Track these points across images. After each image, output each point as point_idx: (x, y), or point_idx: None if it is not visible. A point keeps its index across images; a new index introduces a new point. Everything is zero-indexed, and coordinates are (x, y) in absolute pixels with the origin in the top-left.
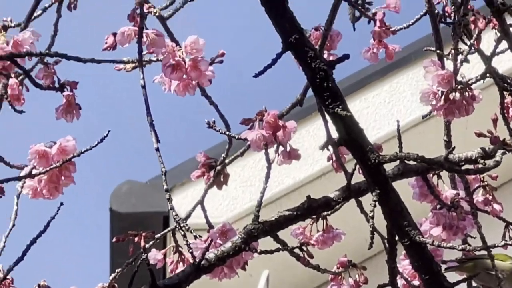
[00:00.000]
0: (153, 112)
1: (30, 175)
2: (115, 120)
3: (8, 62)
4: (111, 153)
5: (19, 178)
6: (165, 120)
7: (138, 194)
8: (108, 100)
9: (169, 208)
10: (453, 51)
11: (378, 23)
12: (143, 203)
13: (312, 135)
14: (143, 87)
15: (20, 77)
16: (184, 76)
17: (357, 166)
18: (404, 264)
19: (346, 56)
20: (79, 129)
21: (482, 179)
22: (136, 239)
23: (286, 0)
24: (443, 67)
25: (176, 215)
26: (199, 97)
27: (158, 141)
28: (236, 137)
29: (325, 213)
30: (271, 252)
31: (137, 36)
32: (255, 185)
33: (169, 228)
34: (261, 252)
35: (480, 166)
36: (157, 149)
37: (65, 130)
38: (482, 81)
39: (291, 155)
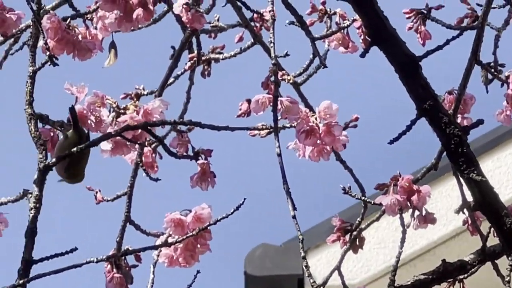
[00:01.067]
0: (287, 172)
1: (166, 244)
2: (249, 184)
3: (139, 130)
4: (246, 217)
5: (155, 247)
6: (299, 183)
7: (273, 257)
8: (241, 166)
9: (306, 274)
10: None
11: (511, 86)
12: (277, 266)
13: (445, 196)
14: (279, 155)
15: (153, 145)
16: (318, 141)
17: (492, 229)
18: None
19: (480, 122)
20: (214, 196)
21: None
22: None
23: (420, 66)
24: None
25: (314, 282)
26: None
27: (294, 208)
28: (372, 202)
29: (461, 276)
30: None
31: (271, 104)
32: (389, 246)
33: None
34: None
35: None
36: (294, 217)
37: (200, 198)
38: None
39: (427, 219)
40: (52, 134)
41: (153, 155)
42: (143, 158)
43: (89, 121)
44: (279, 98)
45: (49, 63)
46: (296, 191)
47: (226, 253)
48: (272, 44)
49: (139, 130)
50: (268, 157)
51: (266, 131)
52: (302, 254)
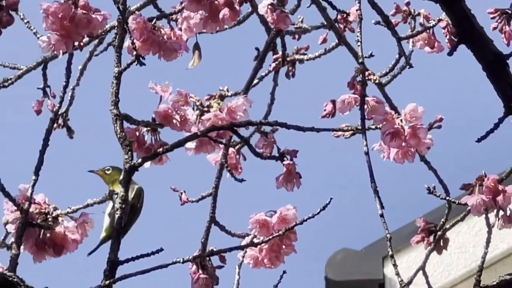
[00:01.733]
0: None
1: (252, 244)
2: (329, 188)
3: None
4: (327, 222)
5: (241, 247)
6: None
7: (353, 262)
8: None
9: (395, 272)
10: None
11: None
12: (358, 271)
13: None
14: (367, 153)
15: (237, 146)
16: (403, 144)
17: None
18: None
19: None
20: (298, 197)
21: None
22: None
23: (507, 65)
24: None
25: (402, 280)
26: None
27: (382, 207)
28: (457, 202)
29: None
30: None
31: (357, 104)
32: (469, 251)
33: None
34: None
35: None
36: (382, 215)
37: (286, 199)
38: None
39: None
40: (137, 134)
41: (237, 156)
42: (227, 159)
43: (174, 121)
44: (365, 98)
45: (135, 62)
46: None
47: (307, 258)
48: (359, 43)
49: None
50: (348, 162)
51: (351, 132)
52: (390, 252)
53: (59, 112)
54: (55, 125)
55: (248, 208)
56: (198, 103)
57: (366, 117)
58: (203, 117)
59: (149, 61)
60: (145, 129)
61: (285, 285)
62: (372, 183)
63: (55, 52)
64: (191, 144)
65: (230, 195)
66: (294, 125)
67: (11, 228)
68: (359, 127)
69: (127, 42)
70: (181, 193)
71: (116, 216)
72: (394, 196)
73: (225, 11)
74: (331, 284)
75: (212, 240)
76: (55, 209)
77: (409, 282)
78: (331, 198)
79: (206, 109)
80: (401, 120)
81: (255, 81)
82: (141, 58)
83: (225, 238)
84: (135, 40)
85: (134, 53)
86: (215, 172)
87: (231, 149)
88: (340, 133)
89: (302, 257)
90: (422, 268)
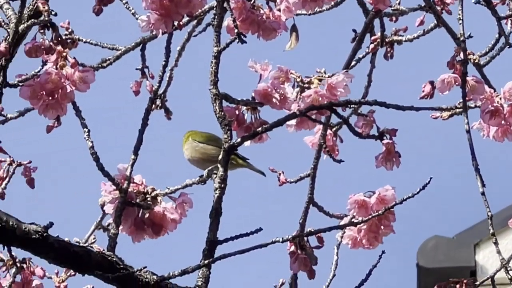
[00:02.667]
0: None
1: (351, 224)
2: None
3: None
4: (418, 209)
5: (340, 227)
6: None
7: (445, 250)
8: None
9: (496, 250)
10: None
11: None
12: (449, 259)
13: None
14: (468, 131)
15: (334, 128)
16: (503, 122)
17: None
18: None
19: None
20: (397, 177)
21: None
22: (457, 286)
23: None
24: None
25: (503, 258)
26: None
27: (483, 185)
28: None
29: None
30: None
31: (456, 83)
32: None
33: (482, 280)
34: None
35: None
36: (483, 193)
37: (385, 179)
38: None
39: None
40: (237, 113)
41: (334, 138)
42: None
43: (273, 99)
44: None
45: (236, 40)
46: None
47: (399, 244)
48: (460, 21)
49: None
50: (442, 148)
51: (448, 113)
52: (491, 230)
53: (157, 93)
54: (153, 106)
55: (346, 189)
56: (298, 80)
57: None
58: (303, 94)
59: (247, 41)
60: (244, 108)
61: (378, 271)
62: (474, 161)
63: (155, 32)
64: (291, 121)
65: (328, 176)
66: (393, 104)
67: (109, 209)
68: (459, 107)
69: (225, 22)
70: (280, 174)
71: (215, 195)
72: (493, 179)
73: None
74: (423, 271)
75: (310, 221)
76: (153, 189)
77: (509, 260)
78: (430, 178)
79: (306, 85)
80: (500, 98)
81: (353, 63)
82: (242, 36)
83: (323, 219)
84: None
85: (235, 31)
86: (313, 153)
87: (328, 131)
88: (438, 114)
89: (394, 243)
90: None
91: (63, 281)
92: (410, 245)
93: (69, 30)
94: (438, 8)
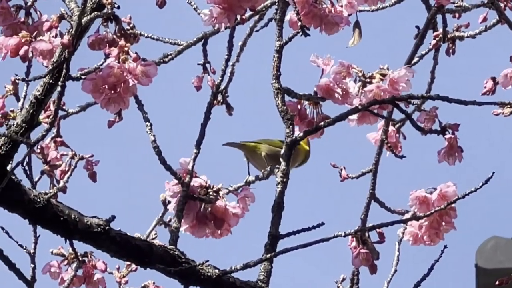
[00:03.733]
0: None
1: (414, 218)
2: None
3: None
4: (476, 209)
5: (403, 221)
6: None
7: (504, 250)
8: (482, 145)
9: None
10: None
11: None
12: (509, 259)
13: None
14: None
15: (397, 125)
16: None
17: None
18: None
19: None
20: (459, 173)
21: None
22: None
23: None
24: None
25: None
26: None
27: None
28: None
29: None
30: None
31: None
32: None
33: None
34: None
35: None
36: None
37: (445, 176)
38: None
39: None
40: (299, 108)
41: (397, 135)
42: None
43: (335, 94)
44: None
45: (299, 34)
46: None
47: (457, 244)
48: None
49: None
50: (504, 146)
51: (510, 109)
52: None
53: (219, 88)
54: (214, 101)
55: (408, 185)
56: (360, 75)
57: None
58: (365, 89)
59: (310, 34)
60: (306, 102)
61: (437, 271)
62: None
63: (217, 26)
64: (353, 115)
65: (390, 172)
66: (455, 98)
67: (171, 205)
68: None
69: (287, 17)
70: (341, 169)
71: (278, 190)
72: None
73: None
74: (481, 272)
75: (372, 217)
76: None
77: None
78: (493, 173)
79: (368, 80)
80: None
81: (415, 59)
82: (305, 29)
83: (385, 215)
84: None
85: (299, 24)
86: (375, 148)
87: (391, 128)
88: (499, 111)
89: (453, 244)
90: None
91: (124, 277)
92: (468, 246)
93: (131, 25)
94: (501, 4)
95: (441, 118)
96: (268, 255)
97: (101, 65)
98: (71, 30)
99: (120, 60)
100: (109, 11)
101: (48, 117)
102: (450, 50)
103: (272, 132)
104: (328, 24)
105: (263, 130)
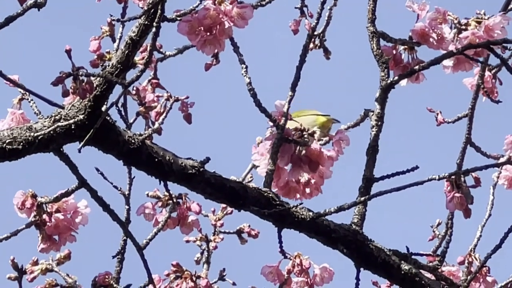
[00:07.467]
0: None
1: (509, 162)
2: None
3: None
4: None
5: (498, 165)
6: None
7: None
8: None
9: None
10: None
11: None
12: None
13: None
14: None
15: (494, 70)
16: None
17: None
18: None
19: None
20: None
21: None
22: None
23: None
24: None
25: None
26: None
27: None
28: None
29: None
30: None
31: None
32: None
33: None
34: None
35: None
36: None
37: None
38: None
39: None
40: (394, 52)
41: (493, 80)
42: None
43: (430, 39)
44: None
45: None
46: None
47: None
48: None
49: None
50: None
51: None
52: None
53: (316, 32)
54: (311, 45)
55: (503, 130)
56: (456, 21)
57: None
58: (460, 35)
59: None
60: (402, 47)
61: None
62: None
63: None
64: (448, 62)
65: (486, 117)
66: None
67: (261, 147)
68: None
69: None
70: (437, 114)
71: (372, 133)
72: None
73: None
74: None
75: (467, 162)
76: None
77: None
78: None
79: (463, 27)
80: None
81: (511, 5)
82: None
83: (480, 160)
84: None
85: None
86: (471, 93)
87: (487, 73)
88: None
89: None
90: None
91: (219, 219)
92: None
93: None
94: None
95: None
96: (363, 198)
97: (197, 6)
98: None
99: (216, 2)
100: None
101: (143, 58)
102: None
103: (366, 77)
104: None
105: (358, 75)
